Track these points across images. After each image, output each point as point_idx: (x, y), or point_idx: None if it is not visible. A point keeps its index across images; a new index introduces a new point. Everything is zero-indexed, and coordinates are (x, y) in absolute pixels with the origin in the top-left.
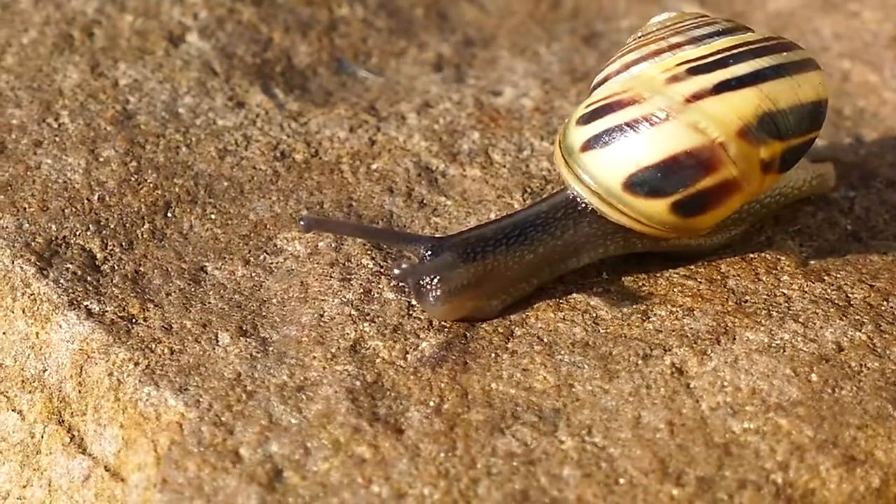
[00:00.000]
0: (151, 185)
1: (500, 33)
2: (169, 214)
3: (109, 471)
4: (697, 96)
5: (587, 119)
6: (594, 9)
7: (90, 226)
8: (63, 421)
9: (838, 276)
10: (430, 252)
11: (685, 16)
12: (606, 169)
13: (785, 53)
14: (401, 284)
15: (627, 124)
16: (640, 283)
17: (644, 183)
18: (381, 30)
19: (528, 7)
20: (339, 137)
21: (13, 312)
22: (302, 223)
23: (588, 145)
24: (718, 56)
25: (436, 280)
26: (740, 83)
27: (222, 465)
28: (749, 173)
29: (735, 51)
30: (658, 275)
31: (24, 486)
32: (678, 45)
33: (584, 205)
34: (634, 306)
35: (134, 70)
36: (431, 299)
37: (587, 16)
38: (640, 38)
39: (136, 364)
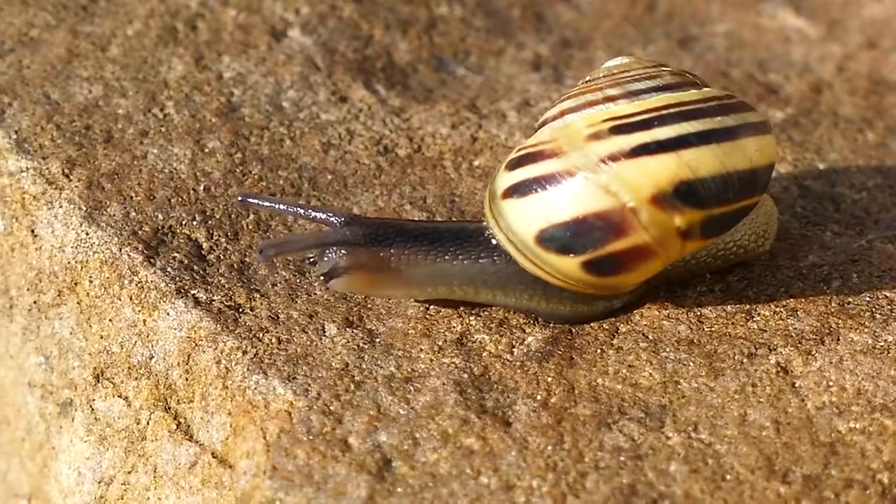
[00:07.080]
0: (256, 176)
1: (595, 35)
2: None
3: (217, 458)
4: (613, 158)
5: (513, 165)
6: (689, 12)
7: (196, 216)
8: (169, 408)
9: None
10: (342, 226)
11: (633, 64)
12: (521, 220)
13: (719, 118)
14: (309, 255)
15: (544, 178)
16: (744, 284)
17: (554, 239)
18: (479, 29)
19: (623, 9)
20: (441, 134)
21: (120, 300)
22: (261, 254)
23: (508, 193)
24: (645, 116)
25: (340, 252)
26: (660, 147)
27: (332, 453)
28: (664, 240)
29: (665, 111)
30: (761, 275)
31: (129, 472)
32: (611, 99)
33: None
34: (738, 306)
35: (237, 63)
36: (330, 269)
37: (682, 19)
38: (586, 82)
39: (244, 353)
